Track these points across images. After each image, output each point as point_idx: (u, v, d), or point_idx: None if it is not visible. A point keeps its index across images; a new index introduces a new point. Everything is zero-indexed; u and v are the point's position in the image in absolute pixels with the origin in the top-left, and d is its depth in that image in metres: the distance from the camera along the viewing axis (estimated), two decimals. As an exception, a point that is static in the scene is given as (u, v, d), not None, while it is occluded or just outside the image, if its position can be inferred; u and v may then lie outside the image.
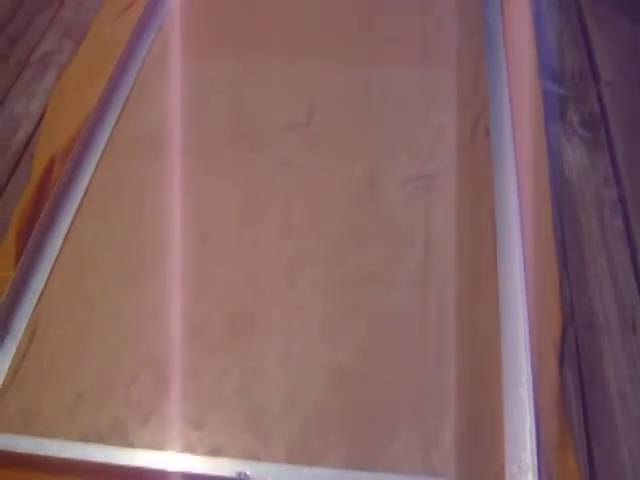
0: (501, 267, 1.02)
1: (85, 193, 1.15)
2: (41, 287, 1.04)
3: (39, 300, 1.03)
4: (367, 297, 1.02)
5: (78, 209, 1.13)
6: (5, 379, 0.95)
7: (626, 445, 0.87)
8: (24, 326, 1.00)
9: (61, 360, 0.98)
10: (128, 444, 0.89)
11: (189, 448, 0.89)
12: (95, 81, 1.29)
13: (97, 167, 1.18)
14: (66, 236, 1.10)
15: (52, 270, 1.06)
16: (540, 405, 0.89)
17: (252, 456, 0.88)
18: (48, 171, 1.17)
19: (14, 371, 0.96)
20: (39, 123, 1.27)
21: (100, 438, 0.90)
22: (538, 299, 0.98)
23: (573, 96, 1.25)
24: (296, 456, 0.88)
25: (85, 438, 0.90)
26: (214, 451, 0.89)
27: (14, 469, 0.88)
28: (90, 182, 1.16)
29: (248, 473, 0.85)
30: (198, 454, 0.88)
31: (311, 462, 0.87)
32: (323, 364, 0.96)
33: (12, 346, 0.99)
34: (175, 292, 1.03)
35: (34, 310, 1.02)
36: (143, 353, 0.97)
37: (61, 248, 1.08)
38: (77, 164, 1.18)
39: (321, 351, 0.97)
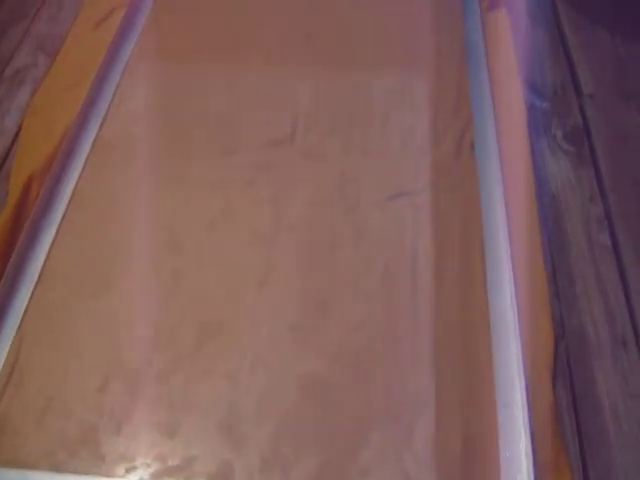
0: (490, 283, 1.01)
1: (65, 211, 1.12)
2: (24, 306, 1.02)
3: (22, 320, 1.00)
4: (343, 307, 1.01)
5: (58, 228, 1.10)
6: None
7: (621, 465, 0.87)
8: (7, 347, 0.98)
9: (33, 367, 0.96)
10: (100, 456, 0.88)
11: (162, 458, 0.88)
12: (72, 95, 1.26)
13: (77, 184, 1.16)
14: (47, 256, 1.07)
15: (34, 290, 1.03)
16: (535, 424, 0.89)
17: (226, 464, 0.87)
18: (26, 190, 1.13)
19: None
20: (14, 140, 1.24)
21: (71, 448, 0.88)
22: (529, 317, 0.98)
23: (556, 110, 1.25)
24: (270, 463, 0.88)
25: (56, 450, 0.88)
26: (188, 460, 0.88)
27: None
28: (70, 200, 1.14)
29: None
30: (177, 476, 0.87)
31: (285, 468, 0.87)
32: (295, 370, 0.95)
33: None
34: (146, 299, 1.03)
35: (18, 329, 0.99)
36: (114, 360, 0.96)
37: (42, 269, 1.06)
38: (57, 181, 1.14)
39: (293, 357, 0.97)
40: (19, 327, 1.00)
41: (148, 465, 0.88)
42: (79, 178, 1.16)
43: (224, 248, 1.08)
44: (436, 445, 0.88)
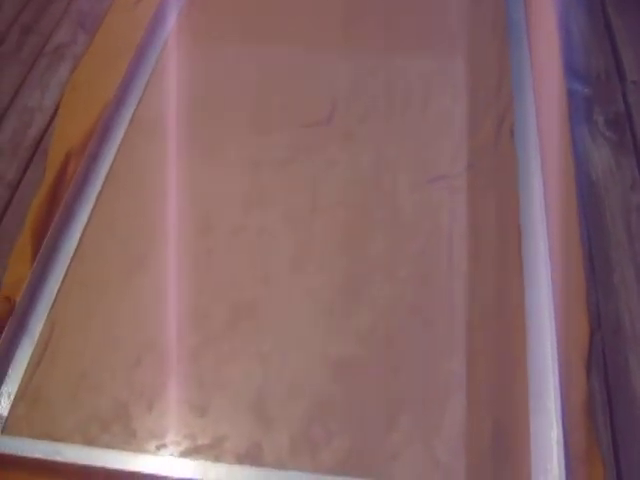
0: (527, 272, 1.00)
1: (101, 189, 1.13)
2: (58, 285, 1.03)
3: (56, 299, 1.02)
4: (377, 290, 1.01)
5: (94, 206, 1.11)
6: (23, 379, 0.94)
7: (655, 457, 0.86)
8: (41, 325, 0.99)
9: (66, 343, 0.97)
10: (131, 432, 0.89)
11: (192, 437, 0.89)
12: (110, 73, 1.26)
13: (114, 162, 1.17)
14: (82, 234, 1.08)
15: (68, 268, 1.05)
16: (567, 415, 0.88)
17: (255, 444, 0.88)
18: (63, 167, 1.14)
19: (33, 369, 0.95)
20: (53, 117, 1.25)
21: (103, 424, 0.89)
22: (565, 305, 0.96)
23: (598, 96, 1.23)
24: (299, 445, 0.88)
25: (89, 424, 0.89)
26: (217, 439, 0.88)
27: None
28: (107, 178, 1.14)
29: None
30: (207, 455, 0.87)
31: (314, 449, 0.87)
32: (327, 352, 0.95)
33: (29, 346, 0.97)
34: (179, 278, 1.03)
35: (51, 308, 1.00)
36: (146, 338, 0.97)
37: (76, 247, 1.07)
38: (94, 159, 1.15)
39: (325, 339, 0.96)
40: (53, 304, 1.01)
41: (178, 443, 0.88)
42: (115, 156, 1.17)
43: (259, 229, 1.08)
44: (466, 432, 0.88)
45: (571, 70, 1.25)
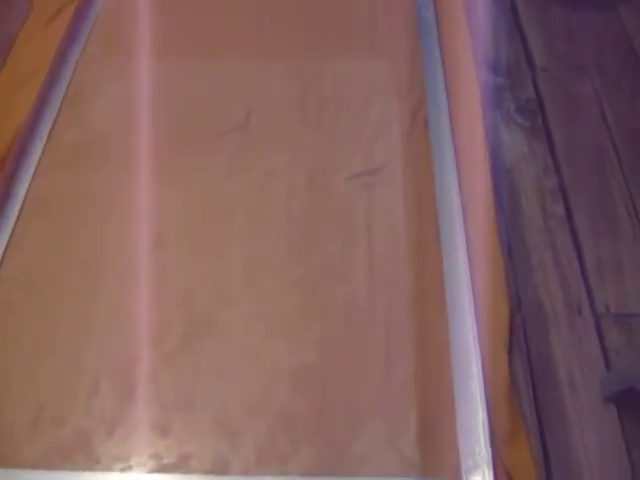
0: (446, 259, 1.02)
1: (21, 209, 1.11)
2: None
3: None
4: (322, 294, 1.01)
5: (14, 228, 1.09)
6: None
7: (579, 432, 0.88)
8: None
9: (18, 372, 0.95)
10: (94, 459, 0.87)
11: (157, 457, 0.87)
12: (24, 94, 1.25)
13: (32, 180, 1.15)
14: (4, 256, 1.06)
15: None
16: (492, 397, 0.89)
17: (221, 459, 0.87)
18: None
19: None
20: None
21: (65, 454, 0.87)
22: (484, 289, 0.98)
23: (509, 84, 1.26)
24: (265, 457, 0.87)
25: (50, 455, 0.87)
26: (183, 458, 0.87)
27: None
28: (26, 197, 1.13)
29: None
30: (167, 470, 0.87)
31: (281, 461, 0.87)
32: (284, 364, 0.95)
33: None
34: (133, 298, 1.01)
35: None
36: (103, 361, 0.95)
37: (1, 263, 1.05)
38: (10, 179, 1.14)
39: (281, 351, 0.96)
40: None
41: (143, 464, 0.87)
42: (33, 177, 1.15)
43: (206, 246, 1.08)
44: (393, 420, 0.89)
45: (483, 61, 1.27)
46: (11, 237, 1.08)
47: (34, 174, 1.16)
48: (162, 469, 0.86)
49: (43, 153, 1.19)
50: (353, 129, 1.19)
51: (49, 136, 1.21)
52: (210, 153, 1.18)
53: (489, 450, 0.85)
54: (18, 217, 1.11)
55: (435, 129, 1.15)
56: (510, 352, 0.94)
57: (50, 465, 0.87)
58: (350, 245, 1.05)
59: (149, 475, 0.86)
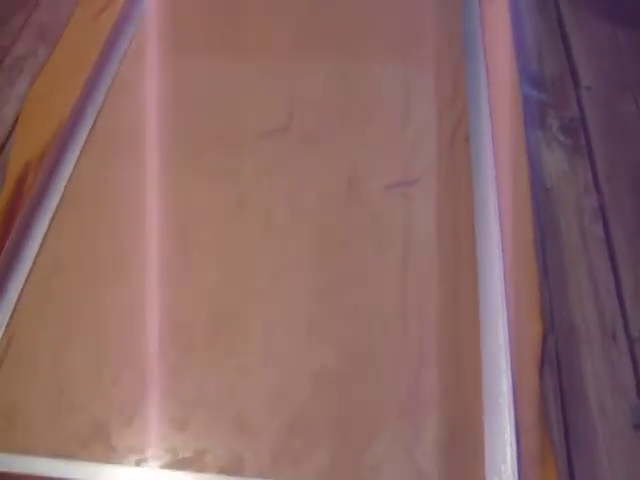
0: (481, 274, 1.01)
1: (61, 199, 1.13)
2: (17, 295, 1.02)
3: (15, 308, 1.01)
4: (350, 299, 1.01)
5: (54, 216, 1.11)
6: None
7: (607, 458, 0.87)
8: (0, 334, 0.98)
9: (42, 360, 0.96)
10: (111, 448, 0.88)
11: (173, 451, 0.88)
12: (70, 85, 1.26)
13: (73, 172, 1.16)
14: (42, 243, 1.08)
15: (29, 276, 1.04)
16: (520, 416, 0.88)
17: (237, 457, 0.87)
18: (22, 179, 1.14)
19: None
20: (12, 130, 1.25)
21: (82, 441, 0.88)
22: (518, 307, 0.97)
23: (553, 101, 1.25)
24: (281, 456, 0.87)
25: (67, 441, 0.88)
26: (198, 453, 0.88)
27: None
28: (66, 188, 1.14)
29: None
30: (188, 469, 0.87)
31: (295, 462, 0.87)
32: (307, 365, 0.95)
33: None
34: (158, 292, 1.02)
35: (10, 319, 1.00)
36: (125, 353, 0.96)
37: (38, 254, 1.06)
38: (53, 170, 1.15)
39: (305, 352, 0.96)
40: (8, 323, 1.00)
41: (159, 457, 0.88)
42: (74, 169, 1.17)
43: (237, 240, 1.08)
44: (420, 433, 0.88)
45: (526, 76, 1.26)
46: (51, 223, 1.10)
47: (75, 165, 1.17)
48: (177, 463, 0.87)
49: (85, 145, 1.20)
50: (393, 137, 1.19)
51: (92, 128, 1.23)
52: (248, 153, 1.19)
53: (515, 470, 0.84)
54: (59, 204, 1.13)
55: (476, 144, 1.15)
56: (541, 372, 0.93)
57: (66, 451, 0.88)
58: (384, 253, 1.05)
59: (162, 471, 0.87)
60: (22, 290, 1.03)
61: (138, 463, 0.87)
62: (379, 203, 1.11)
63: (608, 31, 1.36)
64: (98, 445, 0.88)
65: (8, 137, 1.24)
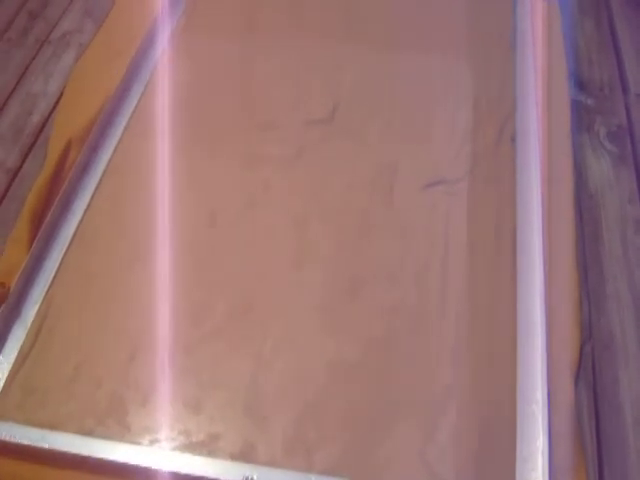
0: (520, 279, 1.00)
1: (102, 177, 1.13)
2: (53, 273, 1.03)
3: (51, 286, 1.02)
4: (374, 292, 1.00)
5: (94, 194, 1.12)
6: (15, 362, 0.94)
7: (638, 473, 0.86)
8: (35, 312, 0.99)
9: (63, 334, 0.97)
10: (126, 426, 0.89)
11: (186, 433, 0.89)
12: (115, 63, 1.26)
13: (115, 151, 1.17)
14: (81, 220, 1.08)
15: (66, 253, 1.05)
16: (554, 425, 0.88)
17: (249, 444, 0.87)
18: (64, 155, 1.15)
19: (25, 355, 0.95)
20: (56, 105, 1.25)
21: (98, 418, 0.89)
22: (557, 314, 0.97)
23: (601, 107, 1.23)
24: (293, 446, 0.88)
25: (83, 416, 0.89)
26: (211, 437, 0.88)
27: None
28: (108, 166, 1.15)
29: (255, 478, 0.84)
30: (200, 452, 0.87)
31: (307, 451, 0.87)
32: (324, 354, 0.95)
33: (22, 332, 0.97)
34: (179, 272, 1.03)
35: (45, 295, 1.01)
36: (144, 331, 0.97)
37: (76, 231, 1.07)
38: (94, 148, 1.16)
39: (323, 341, 0.96)
40: (48, 291, 1.01)
41: (172, 439, 0.88)
42: (116, 148, 1.17)
43: (262, 227, 1.08)
44: (455, 439, 0.88)
45: (575, 80, 1.25)
46: (91, 201, 1.11)
47: (117, 143, 1.17)
48: (190, 446, 0.88)
49: (128, 124, 1.20)
50: (439, 134, 1.18)
51: (136, 107, 1.23)
52: (289, 141, 1.18)
53: (547, 478, 0.83)
54: (99, 182, 1.13)
55: (522, 146, 1.14)
56: (576, 380, 0.93)
57: (82, 427, 0.88)
58: (421, 251, 1.04)
59: (173, 453, 0.87)
60: (59, 266, 1.04)
61: (151, 443, 0.88)
62: (419, 201, 1.10)
63: (661, 38, 1.34)
64: (113, 422, 0.89)
65: (52, 112, 1.24)
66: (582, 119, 1.21)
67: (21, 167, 1.17)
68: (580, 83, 1.26)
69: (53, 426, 0.88)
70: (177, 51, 1.32)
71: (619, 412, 0.91)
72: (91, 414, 0.90)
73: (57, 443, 0.86)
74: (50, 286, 1.02)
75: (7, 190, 1.14)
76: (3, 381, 0.92)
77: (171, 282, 1.01)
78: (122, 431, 0.89)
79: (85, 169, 1.13)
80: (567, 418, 0.89)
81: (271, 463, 0.86)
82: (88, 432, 0.88)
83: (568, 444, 0.88)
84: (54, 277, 1.02)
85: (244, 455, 0.87)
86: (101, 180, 1.13)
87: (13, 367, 0.94)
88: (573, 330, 0.96)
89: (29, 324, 0.98)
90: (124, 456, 0.86)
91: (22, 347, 0.96)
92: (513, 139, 1.15)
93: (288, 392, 0.92)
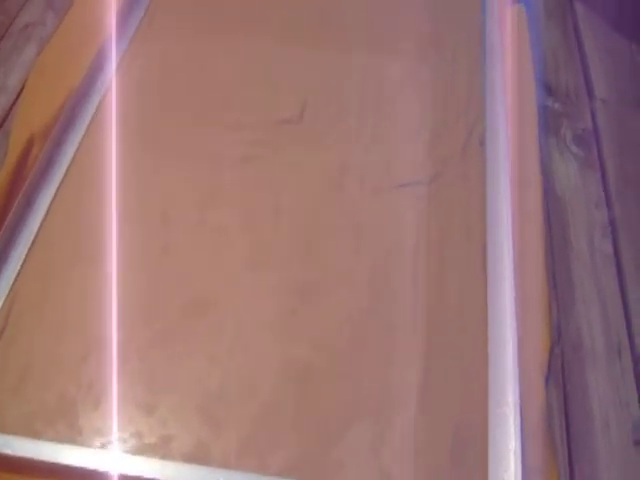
0: (490, 282, 1.00)
1: (66, 174, 1.10)
2: (14, 274, 1.00)
3: (11, 289, 0.99)
4: (333, 294, 1.00)
5: (58, 191, 1.09)
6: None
7: (607, 472, 0.88)
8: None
9: (13, 334, 0.95)
10: (77, 429, 0.87)
11: (138, 435, 0.87)
12: (80, 55, 1.23)
13: (78, 149, 1.13)
14: (44, 217, 1.06)
15: (28, 252, 1.02)
16: (525, 427, 0.89)
17: (203, 445, 0.86)
18: (25, 152, 1.11)
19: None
20: (16, 99, 1.21)
21: (48, 419, 0.87)
22: (527, 318, 0.97)
23: (567, 112, 1.25)
24: (246, 447, 0.87)
25: (32, 417, 0.87)
26: (164, 439, 0.87)
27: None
28: (69, 164, 1.11)
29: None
30: (153, 455, 0.86)
31: (261, 453, 0.86)
32: (279, 356, 0.94)
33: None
34: (133, 272, 1.01)
35: (6, 298, 0.98)
36: (95, 332, 0.95)
37: (39, 228, 1.04)
38: (57, 145, 1.12)
39: (278, 343, 0.95)
40: (9, 294, 0.98)
41: (124, 441, 0.87)
42: (80, 144, 1.14)
43: (217, 227, 1.07)
44: (419, 441, 0.88)
45: (542, 85, 1.26)
46: (54, 198, 1.08)
47: (81, 139, 1.15)
48: (143, 448, 0.86)
49: (92, 120, 1.17)
50: (408, 136, 1.18)
51: (100, 103, 1.20)
52: (260, 141, 1.17)
53: (519, 479, 0.84)
54: (63, 178, 1.10)
55: (490, 149, 1.14)
56: (547, 383, 0.93)
57: (31, 430, 0.86)
58: (392, 253, 1.04)
59: (126, 455, 0.85)
60: (21, 267, 1.01)
61: (103, 446, 0.86)
62: (389, 202, 1.10)
63: (625, 45, 1.36)
64: (64, 425, 0.87)
65: (12, 107, 1.21)
66: (549, 123, 1.22)
67: (-21, 164, 1.13)
68: (547, 88, 1.27)
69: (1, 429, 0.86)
70: (141, 46, 1.29)
71: (588, 414, 0.92)
72: (41, 417, 0.87)
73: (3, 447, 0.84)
74: (10, 289, 0.99)
75: (-34, 186, 1.10)
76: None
77: (126, 283, 0.99)
78: (72, 434, 0.87)
79: (47, 166, 1.10)
80: (538, 419, 0.90)
81: (225, 465, 0.85)
82: (37, 435, 0.86)
83: (539, 445, 0.88)
84: (15, 280, 0.99)
85: (197, 458, 0.86)
86: (64, 179, 1.10)
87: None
88: (543, 333, 0.97)
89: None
90: (74, 459, 0.84)
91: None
92: (482, 143, 1.16)
93: (243, 395, 0.91)
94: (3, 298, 0.98)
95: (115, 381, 0.91)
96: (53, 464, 0.83)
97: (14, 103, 1.21)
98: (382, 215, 1.09)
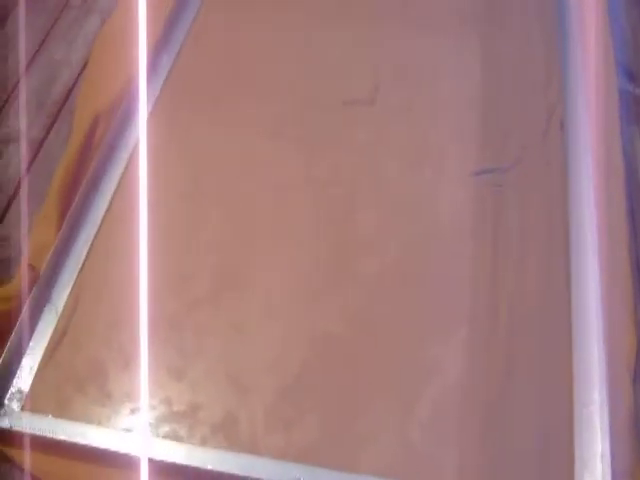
0: (575, 277, 0.97)
1: (129, 156, 1.08)
2: (84, 255, 0.99)
3: (81, 269, 0.98)
4: (364, 268, 0.99)
5: (122, 174, 1.07)
6: (49, 345, 0.91)
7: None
8: (66, 295, 0.95)
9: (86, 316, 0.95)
10: (106, 393, 0.88)
11: (168, 402, 0.87)
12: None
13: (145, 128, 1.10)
14: (110, 203, 1.04)
15: (97, 234, 1.01)
16: (613, 427, 0.85)
17: (230, 415, 0.86)
18: (91, 130, 1.09)
19: (57, 341, 0.92)
20: (79, 75, 1.18)
21: (79, 383, 0.88)
22: (612, 315, 0.93)
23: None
24: (274, 418, 0.87)
25: (64, 381, 0.88)
26: (192, 405, 0.87)
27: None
28: (135, 145, 1.09)
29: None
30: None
31: (287, 425, 0.86)
32: (308, 328, 0.94)
33: (53, 316, 0.93)
34: (167, 242, 0.99)
35: (76, 279, 0.96)
36: (126, 299, 0.93)
37: (104, 217, 1.03)
38: (124, 124, 1.10)
39: (307, 315, 0.95)
40: (78, 274, 0.97)
41: (154, 407, 0.87)
42: (147, 122, 1.11)
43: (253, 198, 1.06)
44: (508, 439, 0.85)
45: (623, 69, 1.20)
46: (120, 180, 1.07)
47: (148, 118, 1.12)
48: (171, 416, 0.86)
49: (159, 97, 1.15)
50: (487, 121, 1.14)
51: (167, 79, 1.18)
52: (331, 122, 1.14)
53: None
54: (129, 159, 1.08)
55: (572, 133, 1.10)
56: (635, 382, 0.90)
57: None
58: (470, 240, 1.01)
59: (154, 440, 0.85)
60: (89, 252, 1.00)
61: (132, 412, 0.87)
62: (466, 189, 1.06)
63: None
64: (95, 388, 0.88)
65: (75, 83, 1.18)
66: (630, 108, 1.17)
67: (44, 141, 1.10)
68: (629, 73, 1.21)
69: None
70: (208, 19, 1.26)
71: (678, 414, 0.88)
72: (73, 381, 0.89)
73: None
74: (80, 270, 0.98)
75: (32, 162, 1.08)
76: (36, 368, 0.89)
77: (156, 250, 0.96)
78: (102, 398, 0.88)
79: (114, 146, 1.08)
80: (626, 420, 0.87)
81: (251, 436, 0.85)
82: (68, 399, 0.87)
83: (627, 447, 0.85)
84: (84, 260, 0.99)
85: (225, 427, 0.86)
86: (129, 159, 1.08)
87: (45, 355, 0.90)
88: (629, 331, 0.93)
89: (60, 310, 0.94)
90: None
91: (53, 334, 0.92)
92: (561, 126, 1.11)
93: (270, 364, 0.91)
94: (73, 280, 0.97)
95: (145, 345, 0.90)
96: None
97: (77, 78, 1.18)
98: (458, 202, 1.05)
